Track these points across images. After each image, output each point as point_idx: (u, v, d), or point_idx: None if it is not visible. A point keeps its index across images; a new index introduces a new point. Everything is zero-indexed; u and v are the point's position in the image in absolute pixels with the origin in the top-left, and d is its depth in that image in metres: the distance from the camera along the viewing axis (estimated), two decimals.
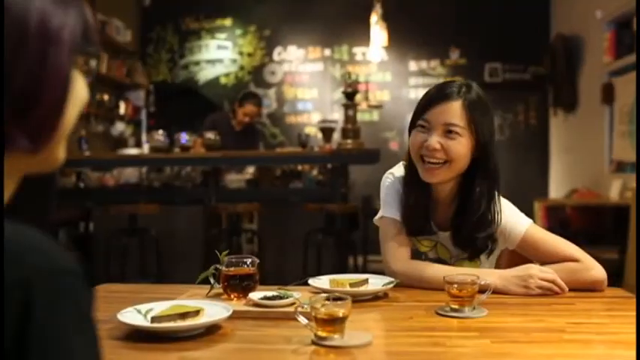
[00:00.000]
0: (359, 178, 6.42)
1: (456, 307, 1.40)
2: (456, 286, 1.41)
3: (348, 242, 4.84)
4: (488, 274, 1.59)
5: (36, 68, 0.60)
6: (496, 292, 1.55)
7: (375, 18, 5.70)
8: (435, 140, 1.63)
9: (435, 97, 1.66)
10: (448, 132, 1.63)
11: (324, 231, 4.53)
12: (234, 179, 5.11)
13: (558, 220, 5.67)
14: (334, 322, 1.19)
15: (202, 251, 4.60)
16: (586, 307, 1.46)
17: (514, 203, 1.77)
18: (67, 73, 0.63)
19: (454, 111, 1.63)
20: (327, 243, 4.58)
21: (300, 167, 5.20)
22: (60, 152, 0.66)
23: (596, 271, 1.63)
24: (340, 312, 1.19)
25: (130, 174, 5.21)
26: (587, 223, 5.39)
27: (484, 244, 1.69)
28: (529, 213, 1.76)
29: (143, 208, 4.53)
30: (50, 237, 0.59)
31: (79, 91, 0.66)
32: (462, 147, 1.63)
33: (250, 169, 5.24)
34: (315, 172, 5.09)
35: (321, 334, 1.19)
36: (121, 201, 4.71)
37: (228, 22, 8.10)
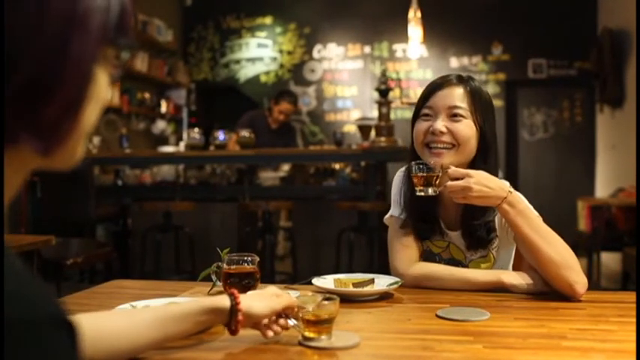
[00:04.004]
0: None
1: (421, 189, 1.55)
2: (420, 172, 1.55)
3: (381, 241, 4.78)
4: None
5: (53, 55, 0.50)
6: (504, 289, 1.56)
7: (411, 13, 5.61)
8: (440, 124, 1.62)
9: (436, 85, 1.67)
10: (453, 115, 1.63)
11: (357, 229, 4.49)
12: (269, 177, 5.12)
13: (603, 220, 5.48)
14: (321, 323, 1.16)
15: (236, 249, 4.61)
16: (596, 312, 1.38)
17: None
18: (90, 67, 0.53)
19: (457, 95, 1.64)
20: (360, 241, 4.54)
21: (336, 165, 5.17)
22: (77, 152, 0.57)
23: (577, 274, 1.46)
24: (326, 313, 1.17)
25: (167, 172, 5.28)
26: (633, 224, 5.18)
27: (482, 234, 1.65)
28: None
29: (177, 205, 4.59)
30: (25, 270, 0.49)
31: (101, 89, 0.56)
32: (467, 129, 1.62)
33: (285, 167, 5.24)
34: (348, 170, 5.05)
35: (307, 334, 1.17)
36: (157, 198, 4.78)
37: (268, 20, 8.14)
